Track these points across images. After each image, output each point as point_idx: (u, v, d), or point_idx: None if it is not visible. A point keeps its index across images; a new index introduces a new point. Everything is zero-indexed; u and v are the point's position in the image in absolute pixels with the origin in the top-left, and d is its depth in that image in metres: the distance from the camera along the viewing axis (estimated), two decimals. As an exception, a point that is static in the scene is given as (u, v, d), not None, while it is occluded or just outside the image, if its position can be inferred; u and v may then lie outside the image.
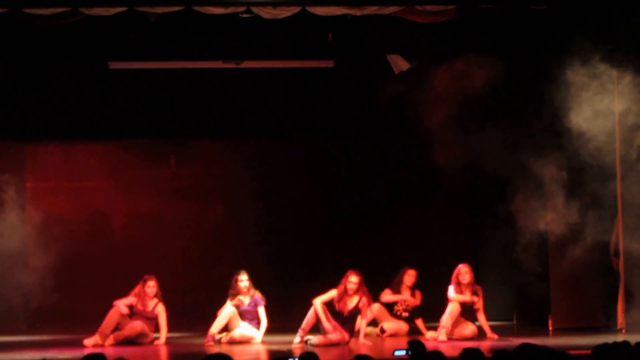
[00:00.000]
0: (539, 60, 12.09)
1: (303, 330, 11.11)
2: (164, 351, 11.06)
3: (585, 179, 11.70)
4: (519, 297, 13.10)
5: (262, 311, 11.58)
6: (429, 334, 11.48)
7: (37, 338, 12.39)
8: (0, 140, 13.65)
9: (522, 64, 12.34)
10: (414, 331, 11.94)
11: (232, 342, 11.36)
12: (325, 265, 13.78)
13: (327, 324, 11.03)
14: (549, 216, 11.95)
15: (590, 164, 11.55)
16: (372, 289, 11.55)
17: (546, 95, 11.68)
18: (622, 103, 11.45)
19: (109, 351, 10.33)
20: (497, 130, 12.09)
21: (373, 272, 12.11)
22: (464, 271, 11.39)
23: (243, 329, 11.50)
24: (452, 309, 11.26)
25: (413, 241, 14.10)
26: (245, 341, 11.42)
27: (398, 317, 12.21)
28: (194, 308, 13.46)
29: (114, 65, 12.98)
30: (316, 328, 11.18)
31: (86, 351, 8.76)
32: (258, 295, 11.60)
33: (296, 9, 11.33)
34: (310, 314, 11.11)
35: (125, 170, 14.10)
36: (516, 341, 10.14)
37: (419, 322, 12.02)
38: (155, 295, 11.60)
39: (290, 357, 5.18)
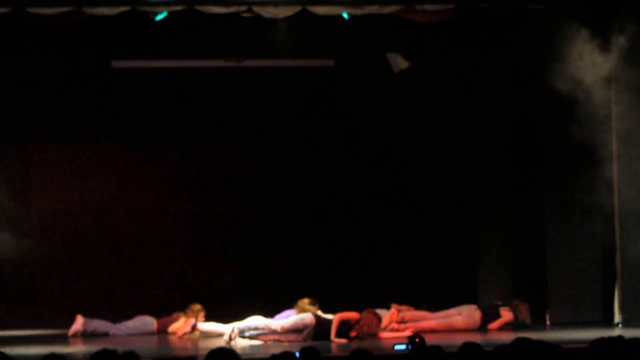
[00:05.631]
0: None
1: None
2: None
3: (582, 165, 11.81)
4: (515, 291, 13.19)
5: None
6: None
7: (41, 332, 12.47)
8: (4, 138, 13.72)
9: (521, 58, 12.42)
10: None
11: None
12: (326, 263, 13.97)
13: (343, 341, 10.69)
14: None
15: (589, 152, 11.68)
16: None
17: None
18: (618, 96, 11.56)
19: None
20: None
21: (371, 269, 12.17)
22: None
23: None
24: None
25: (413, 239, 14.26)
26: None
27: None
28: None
29: (117, 64, 13.10)
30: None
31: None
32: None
33: (297, 8, 11.43)
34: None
35: (127, 168, 14.18)
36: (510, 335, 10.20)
37: None
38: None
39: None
